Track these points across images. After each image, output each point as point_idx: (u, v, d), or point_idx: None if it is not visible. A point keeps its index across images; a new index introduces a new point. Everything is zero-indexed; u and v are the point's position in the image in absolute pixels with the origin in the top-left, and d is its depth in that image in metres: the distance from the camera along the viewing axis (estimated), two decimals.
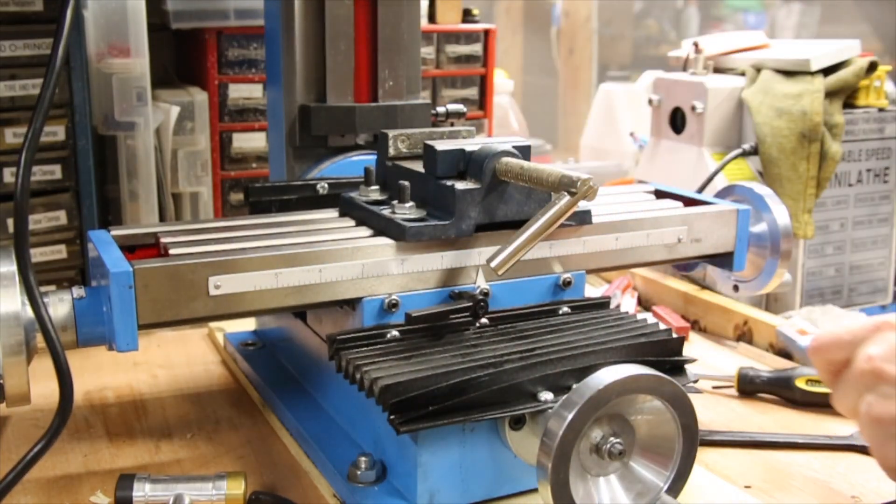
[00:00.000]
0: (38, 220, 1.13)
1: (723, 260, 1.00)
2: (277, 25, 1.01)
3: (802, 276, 1.33)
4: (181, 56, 1.39)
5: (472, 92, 1.51)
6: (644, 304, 1.37)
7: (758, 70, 1.37)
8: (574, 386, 0.69)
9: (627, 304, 1.32)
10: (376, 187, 0.90)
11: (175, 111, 1.23)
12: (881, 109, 1.34)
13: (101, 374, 1.09)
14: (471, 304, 0.79)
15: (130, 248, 0.83)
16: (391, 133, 0.90)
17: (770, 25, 4.91)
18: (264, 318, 1.11)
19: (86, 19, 1.13)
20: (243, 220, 0.89)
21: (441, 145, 0.83)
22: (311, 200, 0.98)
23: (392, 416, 0.70)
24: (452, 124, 1.05)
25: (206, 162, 1.29)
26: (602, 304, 0.88)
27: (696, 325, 1.28)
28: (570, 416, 0.65)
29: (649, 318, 0.90)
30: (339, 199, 0.92)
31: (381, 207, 0.85)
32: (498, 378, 0.72)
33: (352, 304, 0.81)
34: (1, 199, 1.12)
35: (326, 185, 0.99)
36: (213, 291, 0.75)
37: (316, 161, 1.04)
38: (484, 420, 0.73)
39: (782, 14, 4.94)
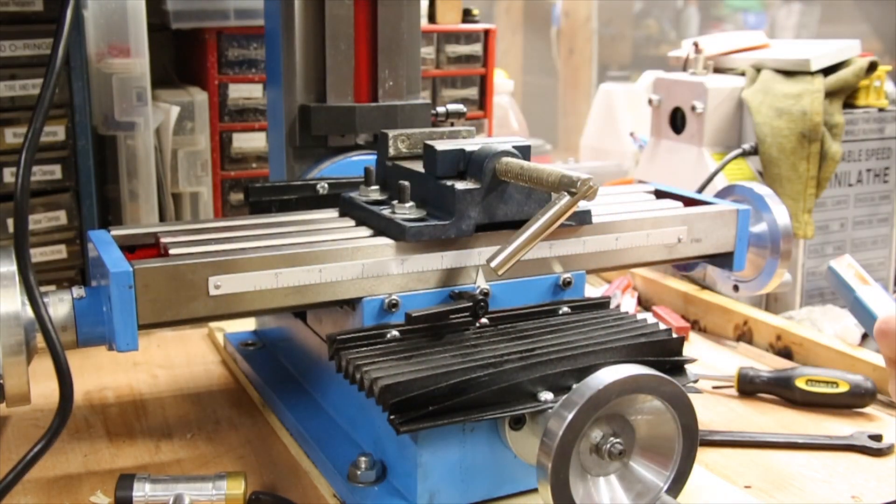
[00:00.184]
0: (38, 220, 1.13)
1: (723, 260, 1.00)
2: (277, 25, 1.01)
3: (802, 276, 1.33)
4: (181, 56, 1.39)
5: (472, 92, 1.51)
6: (644, 304, 1.37)
7: (758, 70, 1.37)
8: (574, 386, 0.69)
9: (627, 304, 1.32)
10: (376, 187, 0.90)
11: (175, 111, 1.23)
12: (881, 109, 1.34)
13: (101, 374, 1.09)
14: (471, 304, 0.79)
15: (130, 248, 0.83)
16: (391, 133, 0.90)
17: (770, 25, 4.91)
18: (264, 318, 1.11)
19: (86, 19, 1.13)
20: (243, 220, 0.89)
21: (441, 145, 0.83)
22: (311, 200, 0.98)
23: (392, 416, 0.70)
24: (452, 124, 1.05)
25: (206, 162, 1.29)
26: (602, 304, 0.88)
27: (696, 325, 1.28)
28: (570, 416, 0.65)
29: (649, 318, 0.90)
30: (339, 199, 0.92)
31: (381, 207, 0.85)
32: (498, 378, 0.72)
33: (352, 304, 0.81)
34: (1, 199, 1.12)
35: (326, 185, 0.99)
36: (213, 291, 0.75)
37: (316, 161, 1.04)
38: (484, 420, 0.73)
39: (782, 14, 4.94)
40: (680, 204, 1.01)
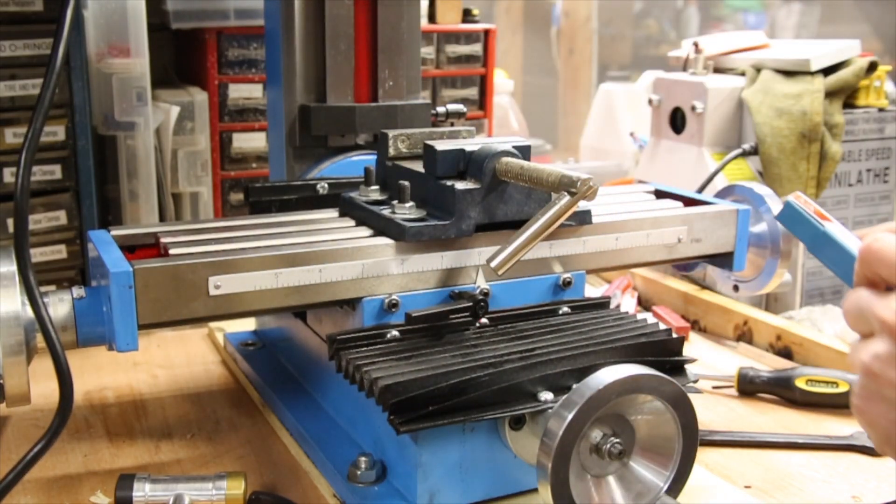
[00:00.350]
0: (38, 220, 1.13)
1: (723, 260, 1.00)
2: (277, 25, 1.01)
3: (802, 276, 1.33)
4: (181, 56, 1.39)
5: (472, 92, 1.51)
6: (644, 304, 1.37)
7: (758, 70, 1.37)
8: (574, 386, 0.69)
9: (627, 304, 1.32)
10: (376, 187, 0.90)
11: (175, 111, 1.23)
12: (881, 109, 1.34)
13: (101, 374, 1.09)
14: (471, 304, 0.79)
15: (130, 248, 0.83)
16: (391, 133, 0.90)
17: (770, 25, 4.91)
18: (264, 318, 1.11)
19: (86, 19, 1.13)
20: (243, 220, 0.89)
21: (441, 145, 0.83)
22: (311, 200, 0.98)
23: (392, 416, 0.70)
24: (452, 124, 1.05)
25: (206, 162, 1.29)
26: (602, 304, 0.88)
27: (696, 325, 1.28)
28: (570, 416, 0.65)
29: (649, 318, 0.90)
30: (339, 199, 0.92)
31: (381, 207, 0.85)
32: (498, 378, 0.72)
33: (352, 304, 0.81)
34: (1, 199, 1.12)
35: (326, 185, 0.99)
36: (213, 291, 0.75)
37: (316, 161, 1.04)
38: (484, 420, 0.73)
39: (782, 14, 4.94)
40: (680, 204, 1.01)
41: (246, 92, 1.30)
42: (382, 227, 0.83)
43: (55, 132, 1.12)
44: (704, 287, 1.31)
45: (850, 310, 0.59)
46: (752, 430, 0.96)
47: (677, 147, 1.42)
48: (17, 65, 1.09)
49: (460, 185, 0.80)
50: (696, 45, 1.41)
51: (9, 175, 1.11)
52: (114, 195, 1.20)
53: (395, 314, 0.81)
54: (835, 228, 0.68)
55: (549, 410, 0.71)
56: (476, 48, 1.50)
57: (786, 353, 1.15)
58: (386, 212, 0.84)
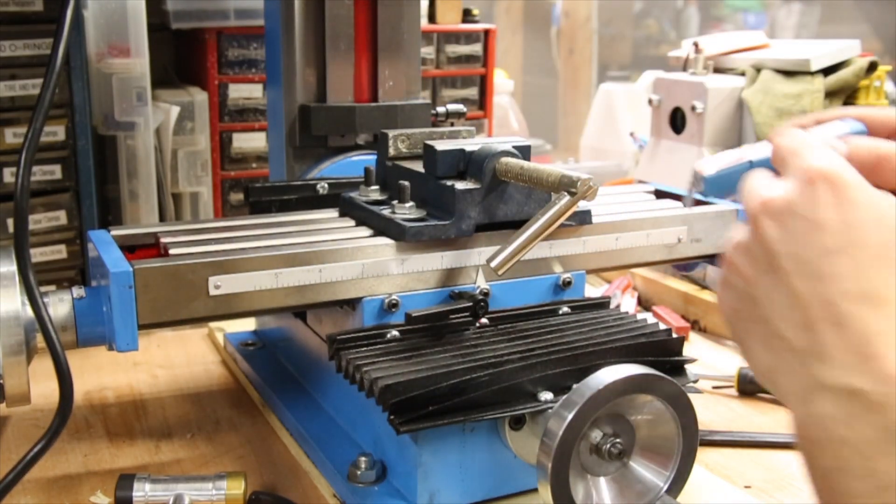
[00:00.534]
0: (38, 220, 1.13)
1: None
2: (277, 25, 1.01)
3: None
4: (181, 56, 1.39)
5: (472, 92, 1.51)
6: (644, 304, 1.37)
7: (758, 70, 1.37)
8: (574, 386, 0.69)
9: (627, 304, 1.32)
10: (376, 187, 0.90)
11: (175, 111, 1.23)
12: None
13: (101, 374, 1.09)
14: (471, 304, 0.79)
15: (130, 248, 0.83)
16: (391, 133, 0.90)
17: (770, 25, 4.91)
18: (264, 318, 1.11)
19: (86, 19, 1.13)
20: (243, 220, 0.89)
21: (441, 145, 0.83)
22: (311, 200, 0.98)
23: (392, 416, 0.70)
24: (452, 124, 1.05)
25: (206, 162, 1.29)
26: (602, 304, 0.88)
27: (696, 325, 1.28)
28: (570, 416, 0.65)
29: (649, 318, 0.90)
30: (339, 199, 0.92)
31: (381, 207, 0.85)
32: (498, 378, 0.72)
33: (352, 304, 0.81)
34: (1, 199, 1.12)
35: (326, 185, 0.99)
36: (213, 291, 0.75)
37: (316, 161, 1.04)
38: (484, 420, 0.73)
39: (782, 14, 4.94)
40: (680, 204, 1.01)
41: (246, 92, 1.30)
42: (382, 227, 0.83)
43: (55, 132, 1.12)
44: (704, 287, 1.31)
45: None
46: (752, 430, 0.96)
47: (677, 147, 1.42)
48: (17, 65, 1.09)
49: (460, 185, 0.80)
50: (696, 45, 1.41)
51: (9, 175, 1.11)
52: (114, 195, 1.20)
53: (395, 314, 0.81)
54: (751, 153, 0.68)
55: (549, 410, 0.71)
56: (476, 48, 1.50)
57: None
58: (386, 212, 0.84)
